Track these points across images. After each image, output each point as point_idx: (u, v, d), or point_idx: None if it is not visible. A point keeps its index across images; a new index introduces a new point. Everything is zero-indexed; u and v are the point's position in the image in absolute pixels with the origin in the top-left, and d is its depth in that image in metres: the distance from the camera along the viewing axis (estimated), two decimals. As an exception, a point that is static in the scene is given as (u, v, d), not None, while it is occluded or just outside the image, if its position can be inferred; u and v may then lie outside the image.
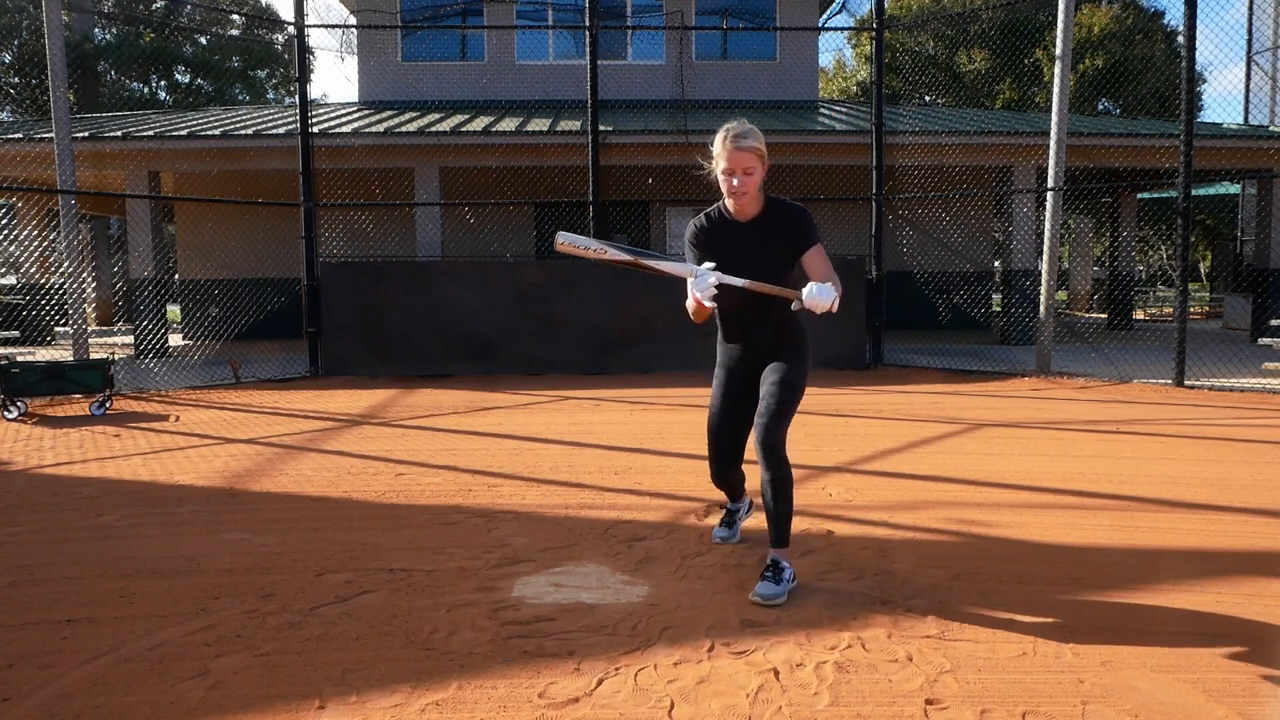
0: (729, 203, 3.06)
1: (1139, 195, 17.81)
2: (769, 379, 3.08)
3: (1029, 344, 11.24)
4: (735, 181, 2.94)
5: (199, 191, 13.70)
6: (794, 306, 2.92)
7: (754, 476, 3.30)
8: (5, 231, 11.32)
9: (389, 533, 3.72)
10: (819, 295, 2.80)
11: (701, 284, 2.87)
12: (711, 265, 2.94)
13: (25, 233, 11.97)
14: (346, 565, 3.28)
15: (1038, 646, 2.53)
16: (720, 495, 3.93)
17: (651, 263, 3.03)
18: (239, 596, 2.96)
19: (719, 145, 2.97)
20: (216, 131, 12.05)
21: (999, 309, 14.71)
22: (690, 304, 2.99)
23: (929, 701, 2.22)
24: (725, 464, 3.33)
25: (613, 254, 3.04)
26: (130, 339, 14.11)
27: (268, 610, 2.83)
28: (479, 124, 12.33)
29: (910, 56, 24.10)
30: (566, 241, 3.06)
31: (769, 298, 2.98)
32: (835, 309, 2.83)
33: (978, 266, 14.33)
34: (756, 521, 3.72)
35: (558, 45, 14.54)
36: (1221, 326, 15.40)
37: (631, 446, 5.56)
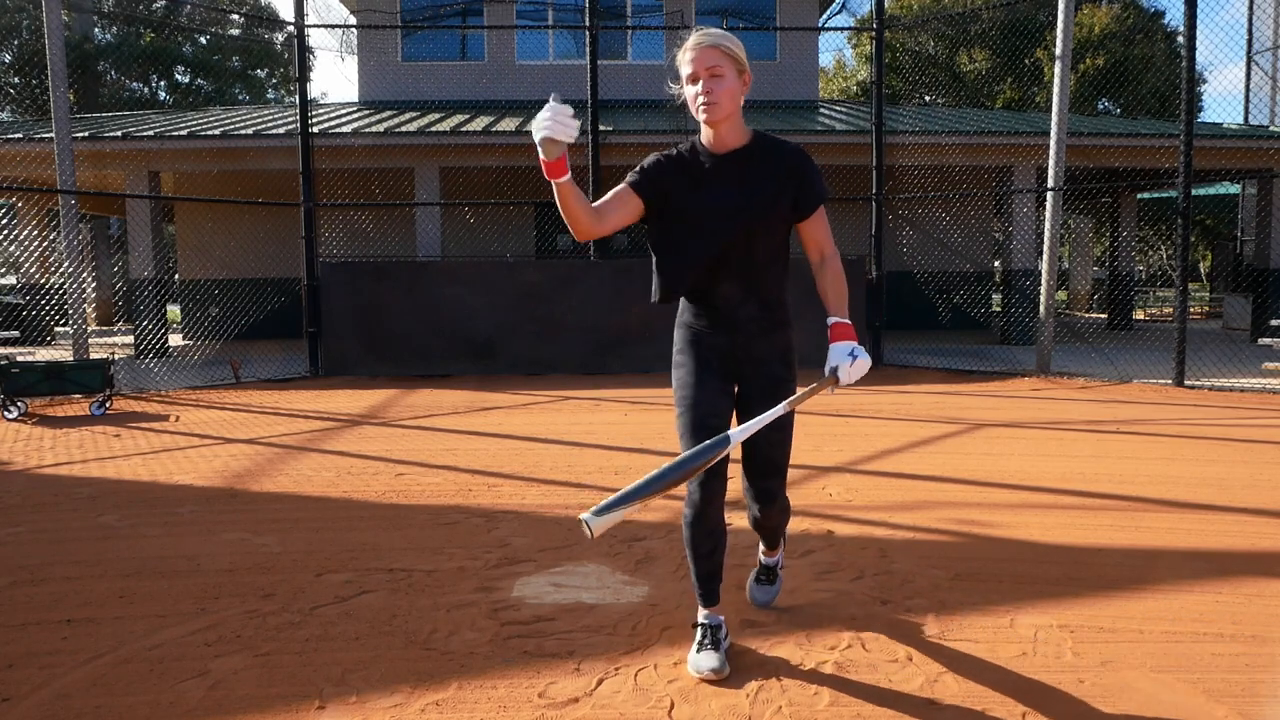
0: (703, 131, 2.38)
1: (1139, 195, 17.81)
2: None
3: (1029, 344, 11.24)
4: (701, 87, 2.26)
5: (199, 191, 13.70)
6: (830, 390, 2.28)
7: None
8: (5, 231, 11.32)
9: (389, 533, 3.72)
10: (856, 366, 2.23)
11: (548, 115, 2.10)
12: (730, 433, 2.24)
13: (25, 233, 11.97)
14: (346, 565, 3.28)
15: (1038, 646, 2.53)
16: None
17: (690, 466, 2.31)
18: (239, 596, 2.96)
19: (682, 52, 2.31)
20: (216, 131, 12.05)
21: (999, 309, 14.70)
22: (558, 195, 2.18)
23: (929, 701, 2.22)
24: (709, 493, 2.45)
25: (643, 499, 2.23)
26: (130, 339, 14.10)
27: (268, 610, 2.83)
28: (479, 124, 12.33)
29: (910, 56, 24.10)
30: (599, 526, 2.11)
31: (749, 267, 2.35)
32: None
33: (978, 266, 14.33)
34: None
35: (558, 45, 14.54)
36: (1221, 326, 15.39)
37: (631, 446, 5.56)
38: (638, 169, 2.40)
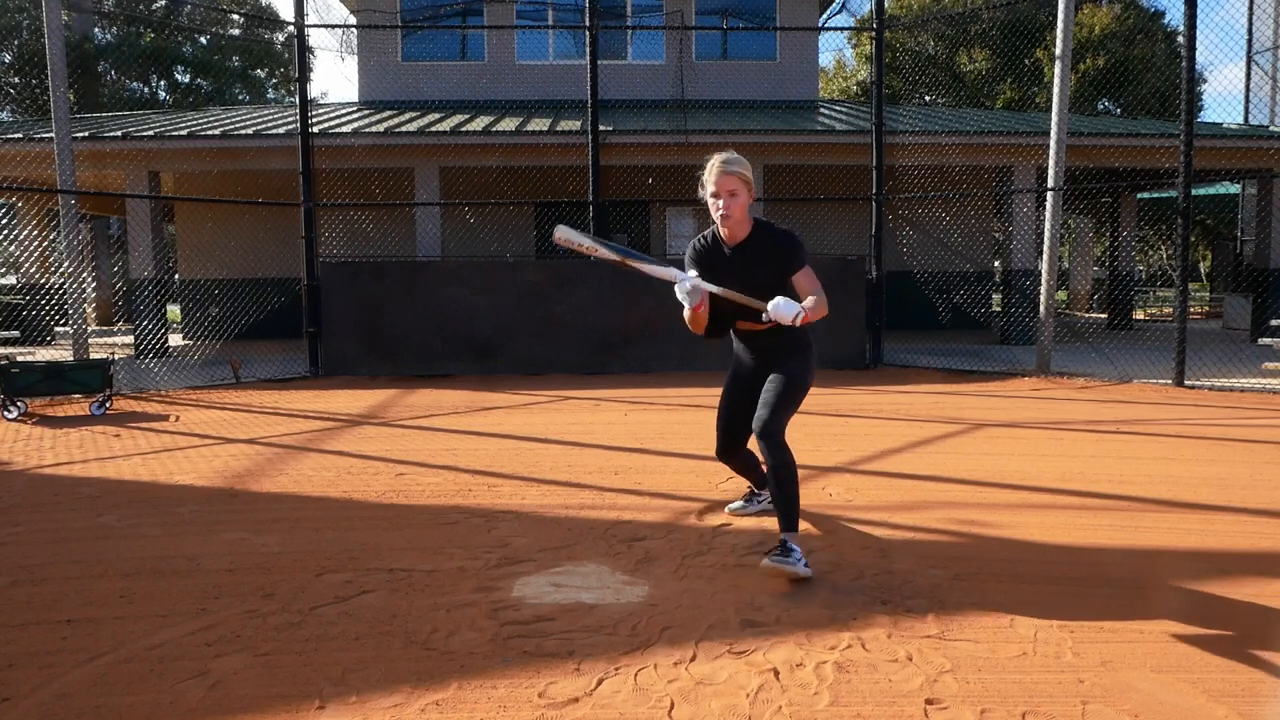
0: (720, 227, 3.26)
1: (1139, 195, 17.81)
2: (771, 377, 3.29)
3: (1029, 344, 11.24)
4: (721, 203, 3.16)
5: (199, 191, 13.70)
6: (763, 318, 3.14)
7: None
8: (5, 231, 11.32)
9: (389, 533, 3.72)
10: (782, 309, 3.04)
11: (682, 287, 3.17)
12: (695, 274, 3.23)
13: (25, 233, 11.97)
14: (346, 565, 3.28)
15: (1038, 646, 2.53)
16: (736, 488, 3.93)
17: (640, 264, 3.26)
18: (239, 596, 2.96)
19: (708, 172, 3.20)
20: (216, 131, 12.05)
21: (999, 309, 14.70)
22: (686, 313, 3.25)
23: (929, 701, 2.22)
24: (724, 453, 3.68)
25: (604, 252, 3.26)
26: (130, 339, 14.11)
27: (268, 610, 2.83)
28: (479, 124, 12.33)
29: (910, 56, 24.08)
30: (564, 235, 3.29)
31: (755, 315, 3.23)
32: (798, 322, 3.05)
33: (978, 266, 14.33)
34: (757, 522, 3.72)
35: (558, 45, 14.54)
36: (1221, 326, 15.40)
37: (631, 446, 5.56)
38: (689, 260, 3.37)
